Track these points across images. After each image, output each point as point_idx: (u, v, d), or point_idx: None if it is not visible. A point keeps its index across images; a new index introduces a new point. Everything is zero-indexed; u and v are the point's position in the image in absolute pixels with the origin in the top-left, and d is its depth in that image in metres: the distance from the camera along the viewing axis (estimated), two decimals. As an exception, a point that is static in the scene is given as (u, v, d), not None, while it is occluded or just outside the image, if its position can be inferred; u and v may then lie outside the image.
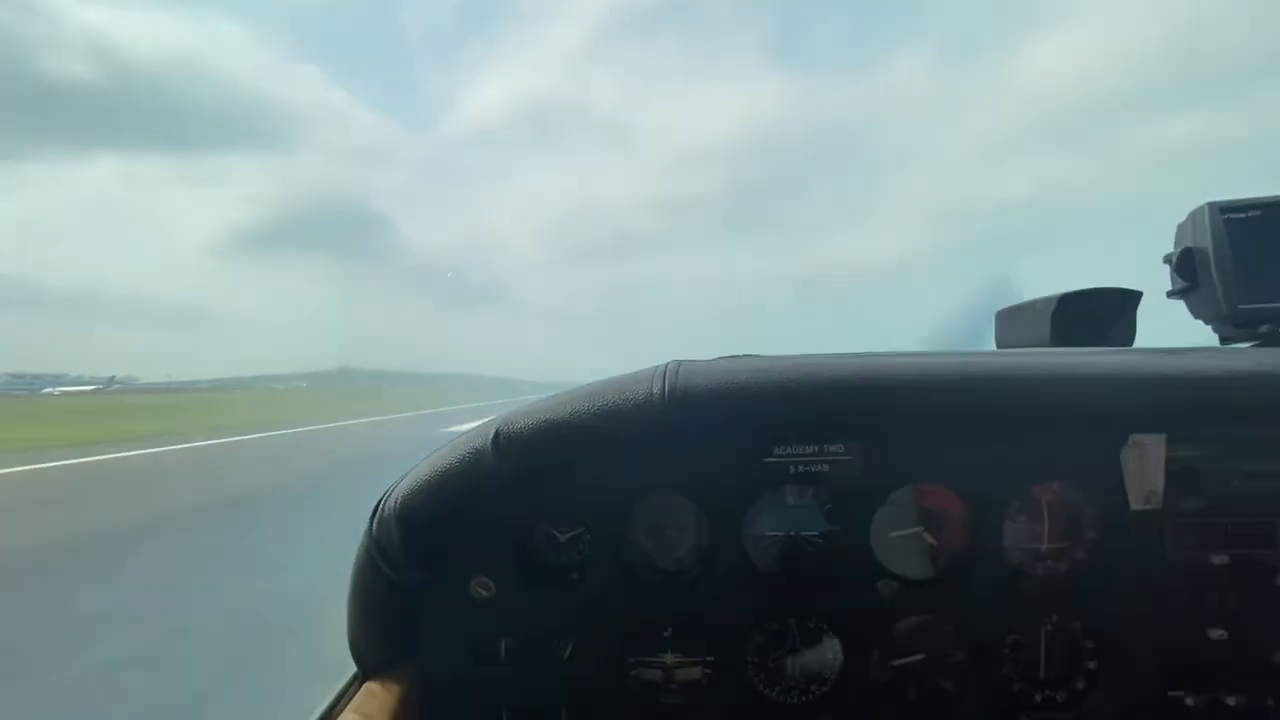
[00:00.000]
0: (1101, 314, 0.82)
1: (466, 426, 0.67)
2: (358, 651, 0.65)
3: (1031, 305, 0.88)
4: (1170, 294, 0.81)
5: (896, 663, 0.69)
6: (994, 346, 0.95)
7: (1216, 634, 0.66)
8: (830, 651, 0.70)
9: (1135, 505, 0.66)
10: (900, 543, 0.68)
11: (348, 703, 0.60)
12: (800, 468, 0.67)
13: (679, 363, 0.63)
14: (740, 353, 0.68)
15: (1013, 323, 0.92)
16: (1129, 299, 0.84)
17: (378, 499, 0.62)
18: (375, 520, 0.61)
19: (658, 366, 0.63)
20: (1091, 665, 0.69)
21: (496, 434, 0.59)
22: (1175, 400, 0.62)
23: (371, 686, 0.62)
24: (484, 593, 0.68)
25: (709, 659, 0.70)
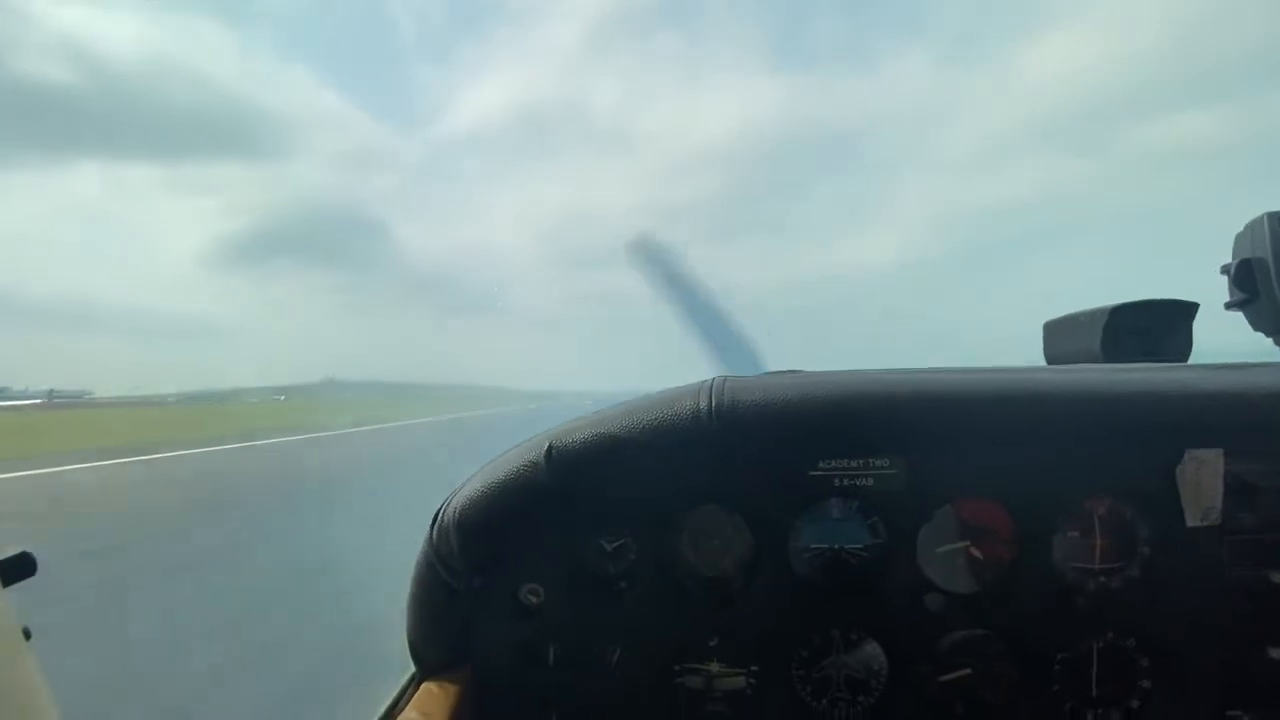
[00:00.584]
0: (1155, 326, 0.80)
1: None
2: (416, 652, 0.68)
3: (1081, 317, 0.86)
4: (1228, 305, 0.78)
5: (943, 678, 0.68)
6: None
7: (1276, 653, 0.64)
8: (875, 663, 0.70)
9: (1191, 521, 0.64)
10: (946, 557, 0.68)
11: (408, 701, 0.63)
12: (845, 481, 0.68)
13: (724, 378, 0.64)
14: (784, 368, 0.69)
15: (1061, 335, 0.91)
16: (1185, 311, 0.82)
17: (437, 508, 0.65)
18: (435, 528, 0.65)
19: (704, 382, 0.65)
20: (1146, 684, 0.67)
21: (549, 448, 0.62)
22: (1234, 415, 0.62)
23: (430, 686, 0.65)
24: (534, 599, 0.70)
25: (753, 669, 0.70)
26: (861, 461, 0.67)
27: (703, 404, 0.61)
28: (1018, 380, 0.65)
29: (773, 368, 0.74)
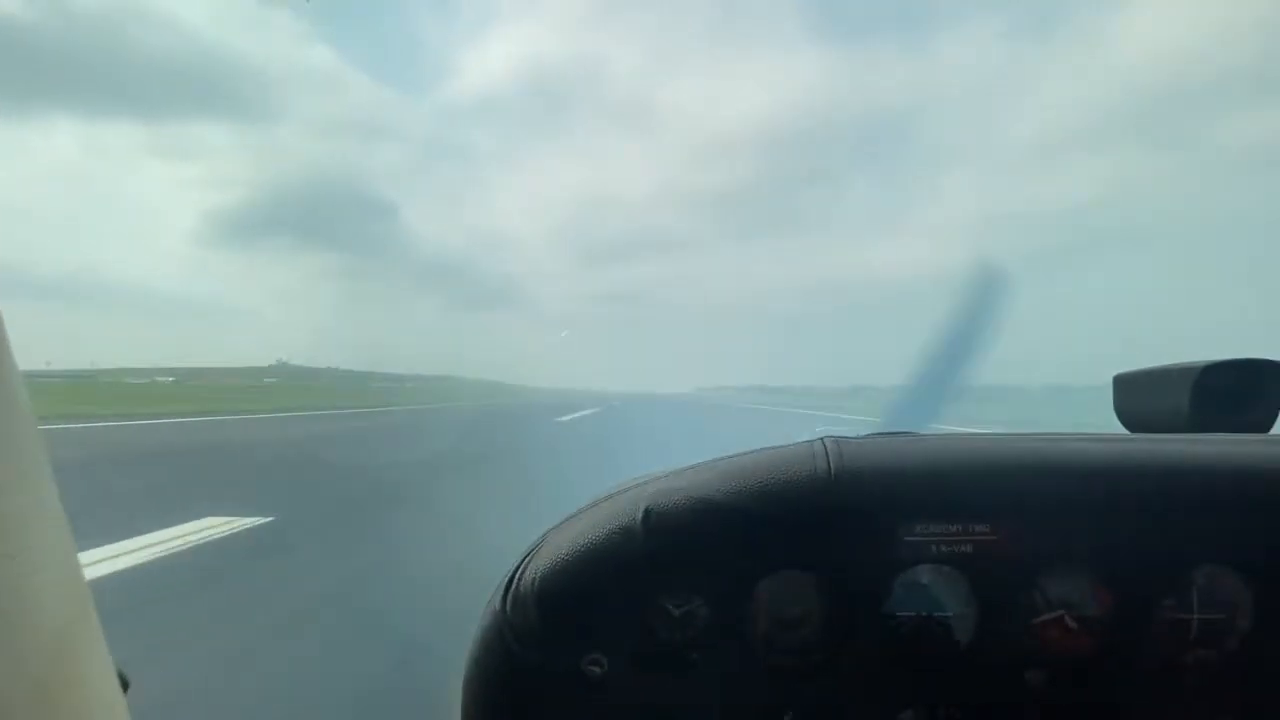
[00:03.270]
0: (1244, 388, 0.78)
1: None
2: None
3: (1163, 373, 0.84)
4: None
5: None
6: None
7: None
8: None
9: None
10: (1042, 627, 0.65)
11: None
12: (943, 547, 0.64)
13: (836, 439, 0.61)
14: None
15: (1138, 391, 0.88)
16: (1274, 372, 0.79)
17: (508, 575, 0.60)
18: (508, 599, 0.59)
19: (813, 443, 0.61)
20: None
21: (647, 512, 0.57)
22: None
23: None
24: (596, 670, 0.65)
25: None
26: (961, 527, 0.64)
27: (819, 468, 0.57)
28: (1122, 450, 0.63)
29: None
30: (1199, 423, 0.80)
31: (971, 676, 0.65)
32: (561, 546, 0.59)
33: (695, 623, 0.67)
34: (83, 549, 0.42)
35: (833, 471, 0.57)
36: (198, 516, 4.63)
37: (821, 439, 0.61)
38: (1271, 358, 0.79)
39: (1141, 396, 0.87)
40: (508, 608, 0.59)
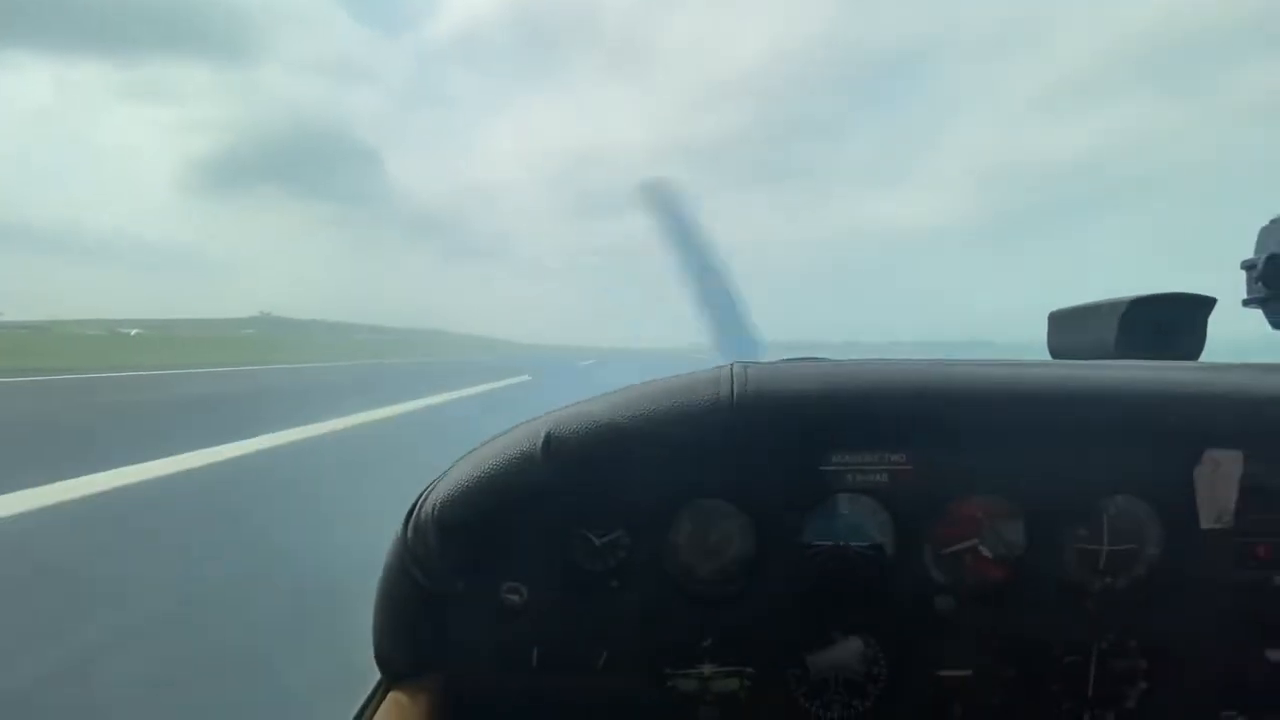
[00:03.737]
0: (1170, 321, 0.78)
1: None
2: (384, 659, 0.62)
3: (1094, 309, 0.84)
4: (1246, 302, 0.76)
5: (942, 674, 0.67)
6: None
7: (1275, 655, 0.65)
8: (875, 666, 0.67)
9: (1206, 524, 0.64)
10: (954, 556, 0.66)
11: (373, 712, 0.58)
12: (858, 476, 0.64)
13: (744, 365, 0.59)
14: (795, 353, 0.64)
15: (1070, 327, 0.88)
16: (1201, 306, 0.79)
17: (412, 502, 0.59)
18: (410, 525, 0.58)
19: (720, 369, 0.59)
20: (1144, 685, 0.67)
21: (547, 438, 0.56)
22: (1254, 417, 0.61)
23: (398, 696, 0.60)
24: (515, 599, 0.65)
25: (748, 670, 0.67)
26: (876, 456, 0.63)
27: (722, 393, 0.56)
28: (1038, 375, 0.63)
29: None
30: (1125, 355, 0.81)
31: (880, 603, 0.66)
32: (462, 475, 0.58)
33: (618, 552, 0.66)
34: None
35: (735, 396, 0.56)
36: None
37: (730, 364, 0.59)
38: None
39: (1071, 331, 0.87)
40: (409, 536, 0.58)
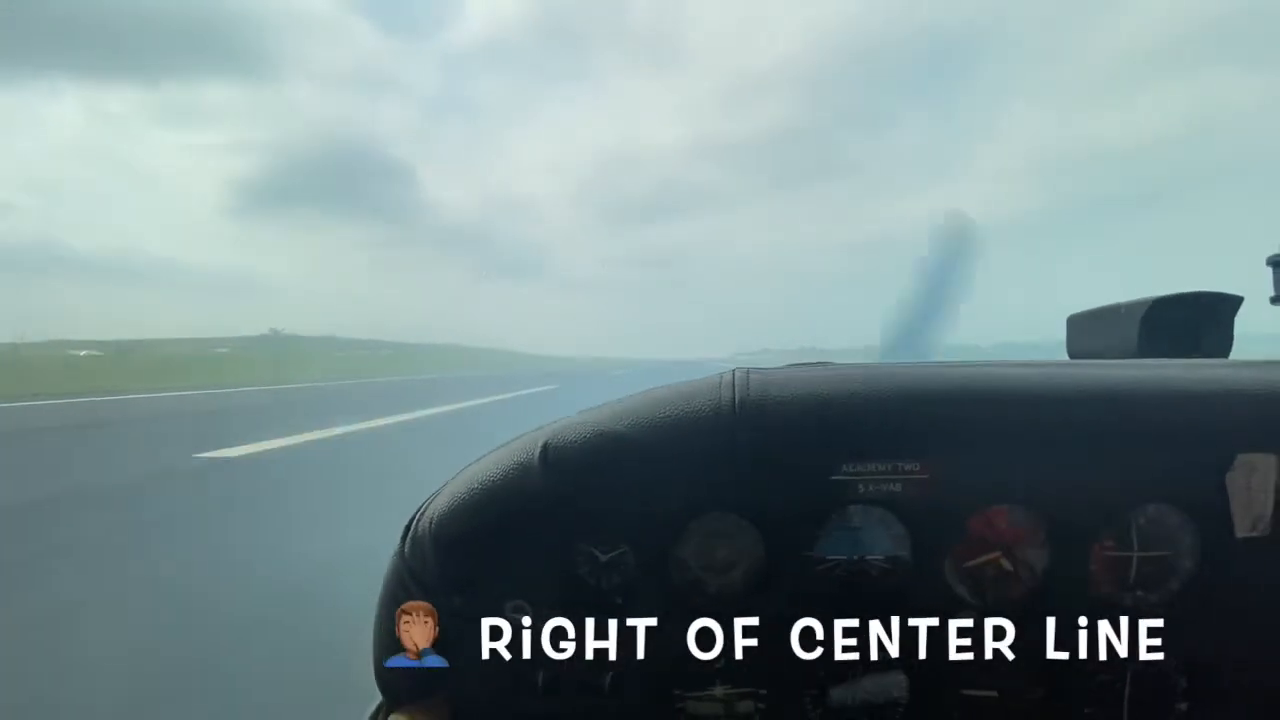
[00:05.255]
0: (1196, 321, 0.75)
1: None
2: (384, 679, 0.61)
3: (1113, 310, 0.81)
4: (1275, 299, 0.74)
5: (967, 694, 0.63)
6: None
7: None
8: (895, 687, 0.64)
9: (1241, 531, 0.60)
10: (977, 570, 0.63)
11: None
12: (872, 487, 0.62)
13: (747, 371, 0.58)
14: (804, 357, 0.63)
15: (1090, 330, 0.85)
16: (1227, 304, 0.77)
17: (410, 517, 0.58)
18: (408, 541, 0.57)
19: (723, 375, 0.58)
20: (1183, 706, 0.63)
21: (544, 448, 0.54)
22: None
23: (399, 718, 0.58)
24: (518, 616, 0.63)
25: (762, 692, 0.64)
26: (890, 465, 0.61)
27: (724, 399, 0.54)
28: (1060, 376, 0.60)
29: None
30: (1150, 354, 0.78)
31: (899, 619, 0.63)
32: (459, 489, 0.57)
33: (623, 568, 0.64)
34: None
35: (737, 402, 0.54)
36: None
37: (734, 370, 0.58)
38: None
39: (1090, 335, 0.85)
40: (406, 551, 0.57)
